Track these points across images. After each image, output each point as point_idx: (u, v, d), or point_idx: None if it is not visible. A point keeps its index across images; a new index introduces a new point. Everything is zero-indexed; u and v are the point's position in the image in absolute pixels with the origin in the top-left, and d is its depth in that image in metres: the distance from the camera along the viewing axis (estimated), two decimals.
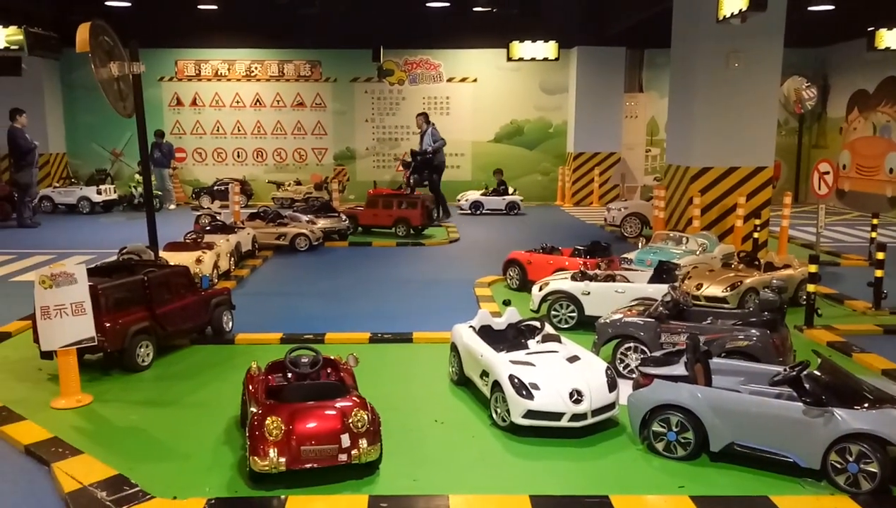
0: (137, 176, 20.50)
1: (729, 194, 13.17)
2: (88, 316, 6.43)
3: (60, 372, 6.49)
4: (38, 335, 6.69)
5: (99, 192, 19.63)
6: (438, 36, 22.26)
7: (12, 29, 14.24)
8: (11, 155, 17.12)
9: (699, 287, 9.34)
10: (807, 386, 5.00)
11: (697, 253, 10.91)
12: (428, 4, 18.70)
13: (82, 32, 8.91)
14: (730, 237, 13.00)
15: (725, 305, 8.87)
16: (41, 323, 6.36)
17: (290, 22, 21.10)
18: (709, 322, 7.02)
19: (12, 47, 14.22)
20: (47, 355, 6.86)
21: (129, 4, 17.86)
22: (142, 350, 7.37)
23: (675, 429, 5.33)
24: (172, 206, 21.03)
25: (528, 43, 18.90)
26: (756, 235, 12.61)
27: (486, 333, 6.83)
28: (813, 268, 8.55)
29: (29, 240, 15.17)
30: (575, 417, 5.66)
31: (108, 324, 7.00)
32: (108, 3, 17.44)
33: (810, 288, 8.61)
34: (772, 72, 12.89)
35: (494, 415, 6.00)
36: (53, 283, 6.30)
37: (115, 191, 20.52)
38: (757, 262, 10.09)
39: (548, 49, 18.91)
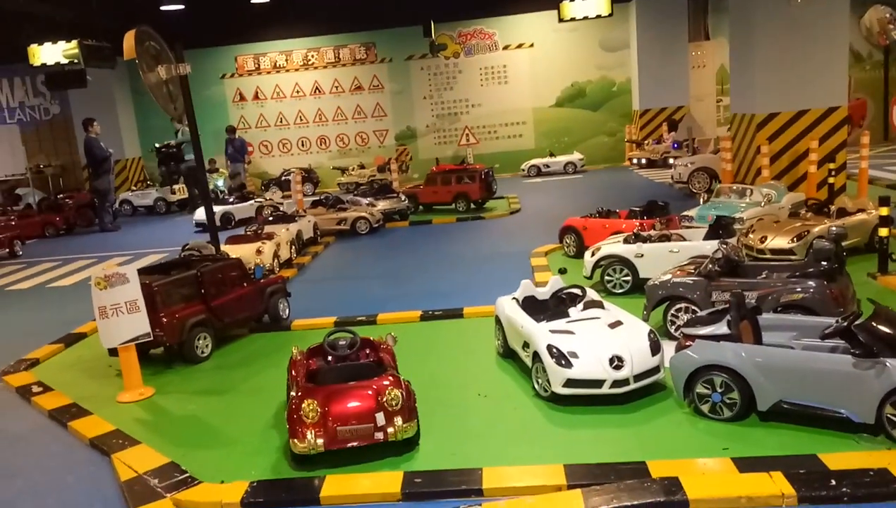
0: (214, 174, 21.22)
1: (800, 140, 12.45)
2: (142, 313, 6.71)
3: (122, 367, 6.83)
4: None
5: (173, 192, 20.43)
6: (490, 4, 21.95)
7: (70, 43, 14.94)
8: (89, 164, 18.05)
9: (763, 239, 8.91)
10: (859, 336, 4.69)
11: (763, 204, 10.39)
12: None
13: (128, 40, 9.20)
14: (803, 184, 12.32)
15: (792, 257, 8.42)
16: (100, 322, 6.68)
17: (342, 5, 21.24)
18: (762, 276, 6.68)
19: (74, 61, 14.94)
20: (114, 352, 7.19)
21: (183, 7, 18.36)
22: (200, 342, 7.64)
23: (719, 390, 5.11)
24: None
25: (578, 1, 18.32)
26: (831, 180, 11.89)
27: (529, 303, 6.74)
28: (884, 211, 7.99)
29: (110, 244, 15.98)
30: (616, 383, 5.52)
31: (165, 319, 7.30)
32: (163, 8, 17.97)
33: (882, 232, 8.06)
34: (839, 5, 12.05)
35: (536, 386, 5.93)
36: (108, 284, 6.59)
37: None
38: (827, 209, 9.52)
39: (600, 5, 18.25)
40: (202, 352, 7.67)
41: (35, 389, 7.19)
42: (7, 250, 15.26)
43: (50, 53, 15.19)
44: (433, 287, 10.03)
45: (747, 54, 12.80)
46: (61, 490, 5.25)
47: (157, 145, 20.48)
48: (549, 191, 18.37)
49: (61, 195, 19.92)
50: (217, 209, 15.39)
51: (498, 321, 6.92)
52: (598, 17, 18.49)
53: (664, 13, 21.22)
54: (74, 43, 14.61)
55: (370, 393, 5.15)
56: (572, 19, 18.84)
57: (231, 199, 17.41)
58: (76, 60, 14.68)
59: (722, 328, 5.30)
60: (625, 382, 5.53)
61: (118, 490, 5.13)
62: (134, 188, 21.92)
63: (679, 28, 21.61)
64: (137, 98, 23.19)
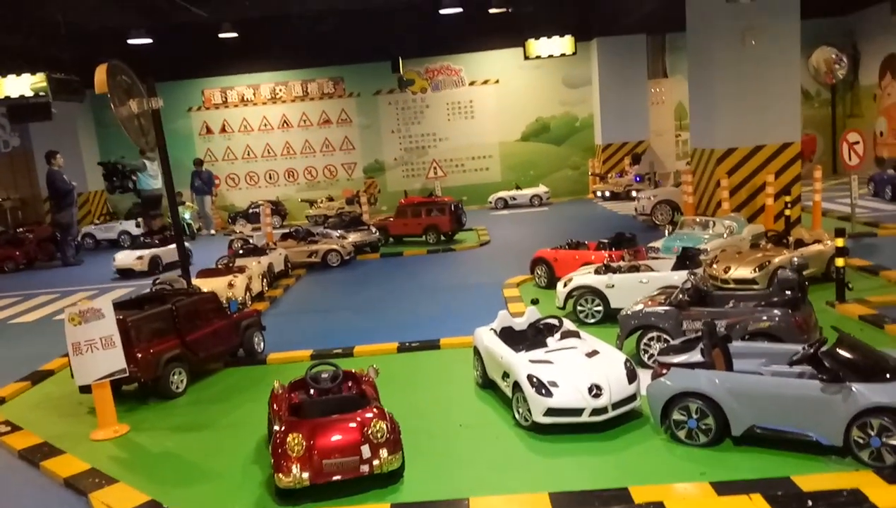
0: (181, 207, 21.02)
1: (757, 173, 12.93)
2: (118, 349, 6.66)
3: (96, 404, 6.73)
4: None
5: (138, 225, 20.17)
6: (456, 41, 22.34)
7: (37, 76, 14.81)
8: (51, 197, 17.76)
9: (727, 270, 9.20)
10: (825, 362, 4.91)
11: (725, 236, 10.75)
12: (441, 11, 18.78)
13: (100, 74, 9.20)
14: (761, 216, 12.75)
15: (754, 286, 8.72)
16: (74, 359, 6.61)
17: (310, 41, 21.45)
18: (730, 306, 6.92)
19: (40, 93, 14.79)
20: (86, 389, 7.11)
21: (151, 41, 18.35)
22: (175, 377, 7.58)
23: (695, 416, 5.28)
24: (214, 232, 21.52)
25: (543, 39, 18.82)
26: (788, 212, 12.34)
27: (507, 334, 6.86)
28: (840, 242, 8.34)
29: (73, 278, 15.70)
30: (595, 411, 5.66)
31: (139, 355, 7.24)
32: (130, 42, 17.94)
33: (839, 262, 8.41)
34: (790, 46, 12.63)
35: (517, 415, 6.03)
36: (82, 320, 6.54)
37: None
38: (786, 240, 9.89)
39: (564, 44, 18.80)
40: (177, 388, 7.61)
41: (2, 429, 7.02)
42: None
43: (14, 86, 15.01)
44: (408, 318, 10.10)
45: (706, 92, 13.30)
46: None
47: (101, 162, 20.10)
48: (517, 224, 18.65)
49: (21, 229, 19.51)
50: (142, 253, 15.11)
51: (476, 351, 7.03)
52: (563, 55, 19.01)
53: (624, 51, 21.91)
54: (42, 76, 14.49)
55: (355, 425, 5.19)
56: (537, 57, 19.34)
57: (155, 240, 16.07)
58: (43, 93, 14.54)
59: (696, 356, 5.49)
60: (603, 410, 5.67)
61: None
62: (97, 221, 21.59)
63: (638, 66, 22.30)
64: (101, 131, 22.96)
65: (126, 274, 14.99)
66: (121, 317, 7.11)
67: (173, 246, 14.99)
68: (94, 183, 22.82)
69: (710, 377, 5.26)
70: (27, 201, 23.03)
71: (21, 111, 16.83)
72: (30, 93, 14.99)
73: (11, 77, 14.90)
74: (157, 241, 16.02)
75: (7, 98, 15.33)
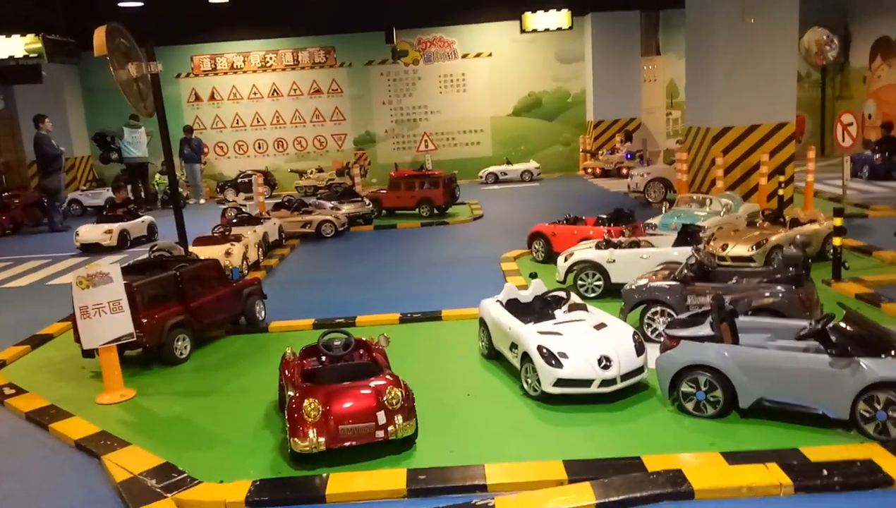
0: (158, 175, 20.82)
1: (752, 153, 13.03)
2: (126, 313, 6.64)
3: (103, 368, 6.73)
4: (79, 334, 6.91)
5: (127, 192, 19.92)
6: (451, 12, 22.18)
7: (30, 37, 14.51)
8: (39, 161, 17.52)
9: (724, 247, 9.31)
10: (832, 338, 5.03)
11: (722, 213, 10.86)
12: None
13: (99, 36, 9.04)
14: (755, 195, 12.89)
15: (751, 264, 8.85)
16: (81, 322, 6.58)
17: (302, 9, 21.19)
18: (734, 281, 7.04)
19: (31, 55, 14.49)
20: (89, 353, 7.12)
21: (142, 4, 18.04)
22: (179, 343, 7.59)
23: (703, 389, 5.39)
24: (203, 201, 21.37)
25: (540, 13, 18.75)
26: (781, 192, 12.48)
27: (513, 306, 6.92)
28: (838, 222, 8.48)
29: (61, 244, 15.53)
30: (604, 383, 5.75)
31: (144, 320, 7.22)
32: (120, 5, 17.62)
33: (836, 241, 8.56)
34: (789, 25, 12.69)
35: (525, 386, 6.11)
36: (90, 283, 6.50)
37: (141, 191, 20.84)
38: (782, 219, 10.03)
39: (561, 18, 18.77)
40: (181, 354, 7.61)
41: (7, 391, 7.01)
42: None
43: (4, 47, 14.70)
44: (405, 290, 10.14)
45: (703, 71, 13.34)
46: (53, 493, 5.17)
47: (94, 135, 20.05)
48: (508, 198, 18.69)
49: (6, 193, 19.23)
50: (111, 226, 14.26)
51: (482, 323, 7.09)
52: (559, 29, 18.94)
53: (618, 28, 21.87)
54: (36, 37, 14.19)
55: (370, 392, 5.25)
56: (534, 31, 19.27)
57: (118, 213, 15.30)
58: (37, 55, 14.26)
59: (705, 329, 5.59)
60: (612, 382, 5.77)
61: (113, 492, 5.08)
62: (84, 187, 21.33)
63: (632, 43, 22.29)
64: (88, 95, 22.58)
65: (90, 249, 14.10)
66: (126, 282, 7.07)
67: (139, 219, 15.00)
68: (81, 148, 22.52)
69: (719, 350, 5.36)
70: (11, 165, 22.67)
71: (9, 72, 16.50)
72: (20, 55, 14.69)
73: (1, 38, 14.57)
74: (120, 214, 15.23)
75: None
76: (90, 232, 14.33)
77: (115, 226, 14.36)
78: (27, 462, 5.71)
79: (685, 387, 5.47)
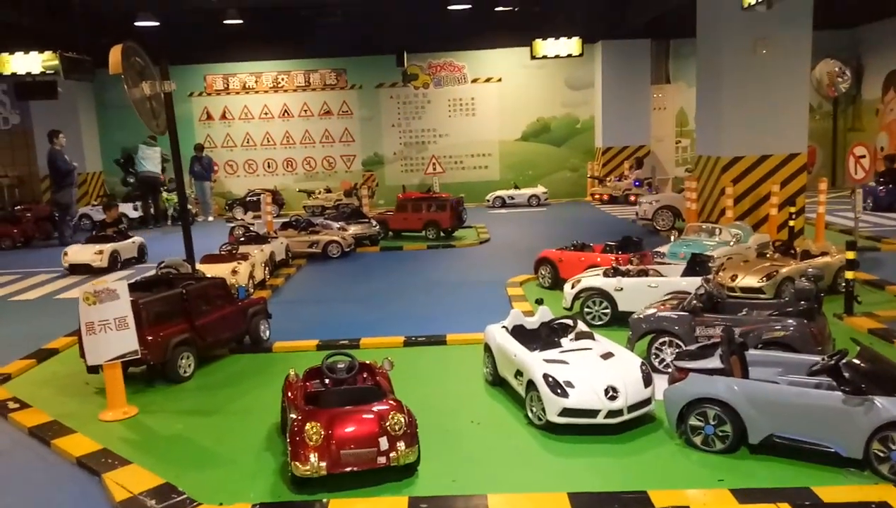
0: (165, 193, 20.92)
1: (762, 183, 12.98)
2: (131, 330, 6.61)
3: (107, 385, 6.69)
4: (84, 350, 6.89)
5: (136, 208, 20.04)
6: (461, 37, 22.34)
7: (48, 54, 14.68)
8: (51, 176, 17.65)
9: (734, 278, 9.25)
10: (846, 374, 4.95)
11: (731, 244, 10.79)
12: (450, 7, 18.79)
13: (115, 55, 9.14)
14: (765, 226, 12.81)
15: (761, 296, 8.78)
16: (87, 338, 6.56)
17: (314, 31, 21.40)
18: (744, 313, 6.96)
19: (48, 72, 14.67)
20: (93, 369, 7.08)
21: (158, 24, 18.24)
22: (183, 361, 7.55)
23: (712, 423, 5.30)
24: (211, 218, 21.45)
25: (550, 40, 18.87)
26: (792, 223, 12.39)
27: (518, 333, 6.86)
28: (850, 255, 8.40)
29: None
30: (611, 414, 5.67)
31: (149, 338, 7.19)
32: (136, 24, 17.82)
33: (848, 275, 8.47)
34: (801, 57, 12.70)
35: (530, 414, 6.03)
36: (97, 299, 6.49)
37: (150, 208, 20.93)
38: (793, 251, 9.95)
39: (571, 45, 18.86)
40: (185, 372, 7.57)
41: (11, 405, 6.97)
42: None
43: (22, 63, 14.87)
44: (410, 312, 10.09)
45: (714, 100, 13.34)
46: None
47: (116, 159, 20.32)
48: (515, 223, 18.67)
49: (19, 207, 19.35)
50: (101, 246, 13.76)
51: (487, 348, 7.02)
52: (570, 56, 19.04)
53: (628, 56, 21.97)
54: (53, 54, 14.36)
55: (373, 417, 5.19)
56: (544, 57, 19.36)
57: (110, 233, 14.60)
58: (54, 71, 14.42)
59: (714, 362, 5.52)
60: (619, 413, 5.68)
61: None
62: (95, 203, 21.44)
63: (642, 70, 22.36)
64: (102, 112, 22.77)
65: (79, 270, 13.53)
66: (132, 299, 7.06)
67: (130, 240, 14.53)
68: (93, 164, 22.66)
69: (728, 384, 5.28)
70: (24, 179, 22.84)
71: (27, 88, 16.69)
72: (38, 71, 14.87)
73: (19, 54, 14.75)
74: (111, 234, 14.60)
75: (14, 74, 15.19)
76: (80, 252, 13.78)
77: (106, 247, 13.84)
78: (28, 477, 5.66)
79: (693, 421, 5.38)
